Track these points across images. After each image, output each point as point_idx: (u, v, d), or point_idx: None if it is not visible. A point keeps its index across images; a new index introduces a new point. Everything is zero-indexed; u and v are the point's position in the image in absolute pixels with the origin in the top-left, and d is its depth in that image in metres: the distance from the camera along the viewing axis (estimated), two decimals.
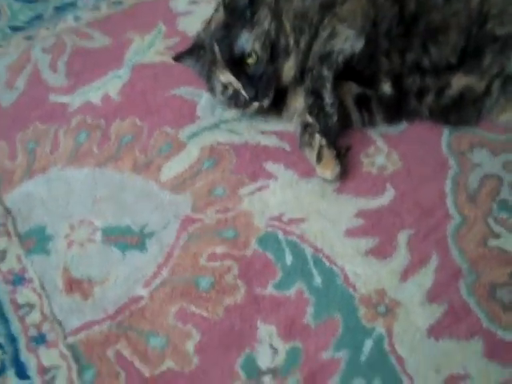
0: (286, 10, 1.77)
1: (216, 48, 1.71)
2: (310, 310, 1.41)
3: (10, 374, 1.36)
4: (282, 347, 1.36)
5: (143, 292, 1.47)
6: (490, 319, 1.35)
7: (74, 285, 1.50)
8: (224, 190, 1.67)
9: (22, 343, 1.41)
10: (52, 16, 2.35)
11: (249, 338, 1.38)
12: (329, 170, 1.63)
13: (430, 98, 1.74)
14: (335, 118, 1.66)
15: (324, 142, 1.65)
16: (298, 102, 1.79)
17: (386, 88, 1.74)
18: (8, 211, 1.68)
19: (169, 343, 1.38)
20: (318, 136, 1.66)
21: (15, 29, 2.32)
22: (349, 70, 1.74)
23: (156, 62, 2.09)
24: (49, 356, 1.39)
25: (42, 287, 1.51)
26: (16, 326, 1.45)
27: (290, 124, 1.81)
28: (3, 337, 1.42)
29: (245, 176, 1.70)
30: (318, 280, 1.46)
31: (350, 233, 1.55)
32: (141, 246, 1.57)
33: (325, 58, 1.69)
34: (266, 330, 1.39)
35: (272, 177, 1.70)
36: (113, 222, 1.63)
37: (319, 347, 1.34)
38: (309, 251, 1.52)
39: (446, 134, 1.75)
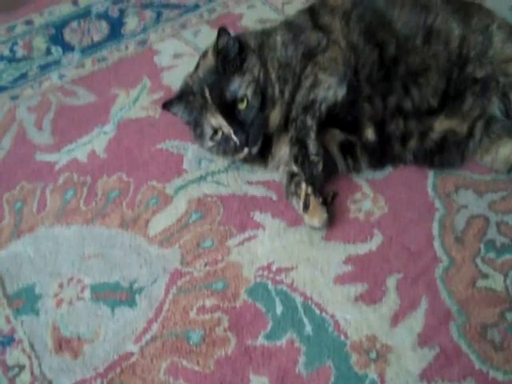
0: (271, 58, 1.79)
1: (207, 92, 1.73)
2: (302, 359, 1.41)
3: None
4: None
5: (134, 348, 1.47)
6: (482, 360, 1.35)
7: (63, 344, 1.50)
8: (212, 242, 1.67)
9: None
10: (37, 75, 2.36)
11: None
12: (316, 217, 1.63)
13: (413, 143, 1.75)
14: (320, 167, 1.66)
15: (310, 190, 1.66)
16: (282, 150, 1.80)
17: (370, 134, 1.75)
18: None
19: None
20: (303, 185, 1.67)
21: (0, 88, 2.33)
22: (332, 118, 1.75)
23: (142, 116, 2.11)
24: None
25: (32, 347, 1.50)
26: None
27: (276, 173, 1.82)
28: None
29: (233, 227, 1.71)
30: (308, 328, 1.46)
31: (340, 279, 1.55)
32: (130, 301, 1.56)
33: (308, 107, 1.71)
34: (259, 382, 1.38)
35: (260, 226, 1.70)
36: (101, 278, 1.62)
37: None
38: (299, 300, 1.51)
39: (431, 176, 1.77)
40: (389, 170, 1.81)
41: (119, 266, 1.64)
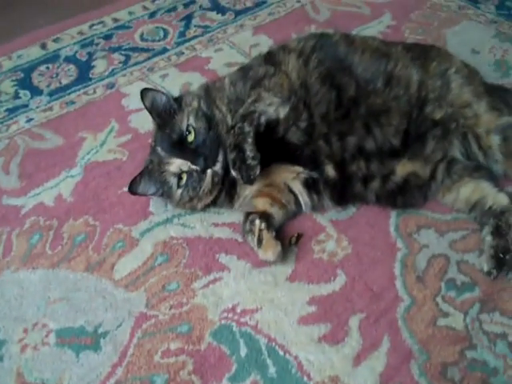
0: (220, 97, 1.85)
1: (158, 149, 1.77)
2: None
3: None
4: None
5: None
6: None
7: None
8: (178, 285, 1.68)
9: None
10: (4, 118, 2.37)
11: None
12: (270, 250, 1.64)
13: (375, 184, 1.79)
14: (257, 171, 1.64)
15: (263, 225, 1.68)
16: (247, 189, 1.82)
17: (330, 171, 1.78)
18: None
19: None
20: (257, 221, 1.70)
21: None
22: (292, 153, 1.78)
23: (109, 159, 2.12)
24: None
25: None
26: None
27: (241, 214, 1.83)
28: None
29: (198, 269, 1.72)
30: (272, 370, 1.47)
31: (303, 320, 1.57)
32: (95, 346, 1.56)
33: (247, 115, 1.71)
34: None
35: (225, 268, 1.72)
36: (66, 323, 1.62)
37: None
38: (263, 341, 1.53)
39: (393, 216, 1.81)
40: (352, 210, 1.84)
41: (84, 310, 1.64)
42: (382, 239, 1.75)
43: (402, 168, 1.78)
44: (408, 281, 1.63)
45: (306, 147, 1.77)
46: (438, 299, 1.57)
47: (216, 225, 1.85)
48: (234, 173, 1.68)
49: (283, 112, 1.75)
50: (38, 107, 2.41)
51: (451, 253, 1.68)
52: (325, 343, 1.51)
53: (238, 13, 2.92)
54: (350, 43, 1.92)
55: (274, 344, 1.52)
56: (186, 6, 3.01)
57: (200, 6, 3.00)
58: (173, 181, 1.80)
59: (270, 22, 2.83)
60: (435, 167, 1.79)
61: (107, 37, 2.81)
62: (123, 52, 2.70)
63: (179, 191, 1.81)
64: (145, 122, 2.22)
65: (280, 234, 1.78)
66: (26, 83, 2.55)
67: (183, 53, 2.66)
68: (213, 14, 2.93)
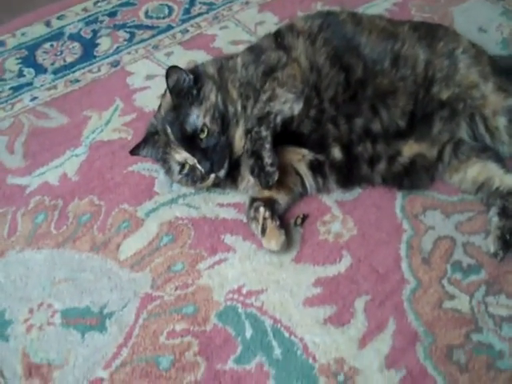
0: (232, 79, 1.82)
1: (168, 130, 1.75)
2: (271, 383, 1.41)
3: None
4: None
5: (103, 374, 1.47)
6: (447, 382, 1.37)
7: (33, 370, 1.49)
8: (183, 266, 1.68)
9: None
10: (8, 96, 2.36)
11: None
12: (273, 240, 1.64)
13: (381, 166, 1.78)
14: (276, 177, 1.65)
15: (268, 214, 1.68)
16: None
17: (337, 153, 1.77)
18: None
19: None
20: (261, 209, 1.70)
21: None
22: (299, 136, 1.77)
23: (114, 139, 2.11)
24: None
25: (1, 374, 1.49)
26: None
27: (246, 195, 1.83)
28: None
29: (203, 250, 1.72)
30: (277, 352, 1.47)
31: (309, 302, 1.56)
32: (100, 326, 1.56)
33: (263, 118, 1.71)
34: None
35: (230, 249, 1.71)
36: (72, 303, 1.62)
37: None
38: (268, 323, 1.53)
39: (399, 197, 1.80)
40: (358, 191, 1.83)
41: (89, 291, 1.64)
42: (388, 220, 1.74)
43: (409, 149, 1.77)
44: (414, 263, 1.62)
45: (314, 133, 1.76)
46: (444, 281, 1.57)
47: (221, 205, 1.84)
48: (252, 178, 1.70)
49: (298, 108, 1.74)
50: (42, 85, 2.40)
51: (457, 234, 1.68)
52: (330, 325, 1.51)
53: None
54: (357, 23, 1.90)
55: (279, 325, 1.52)
56: None
57: None
58: (175, 166, 1.80)
59: None
60: (442, 148, 1.78)
61: (112, 14, 2.79)
62: (128, 29, 2.67)
63: (179, 177, 1.82)
64: (149, 101, 2.21)
65: (285, 214, 1.79)
66: (30, 61, 2.54)
67: (188, 30, 2.63)
68: None
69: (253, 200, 1.78)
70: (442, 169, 1.79)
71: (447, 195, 1.78)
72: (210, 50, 2.47)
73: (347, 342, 1.47)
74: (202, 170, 1.74)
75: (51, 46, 2.61)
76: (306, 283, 1.61)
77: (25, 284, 1.67)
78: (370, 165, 1.78)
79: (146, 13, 2.77)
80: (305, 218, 1.77)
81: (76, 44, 2.61)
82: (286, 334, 1.50)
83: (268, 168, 1.65)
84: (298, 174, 1.81)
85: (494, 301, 1.52)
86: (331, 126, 1.76)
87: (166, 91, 1.80)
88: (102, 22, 2.74)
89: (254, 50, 1.91)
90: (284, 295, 1.58)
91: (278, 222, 1.68)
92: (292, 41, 1.86)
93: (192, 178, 1.79)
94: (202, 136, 1.73)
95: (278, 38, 1.90)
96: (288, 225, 1.76)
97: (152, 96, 2.23)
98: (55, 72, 2.47)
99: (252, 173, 1.68)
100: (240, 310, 1.56)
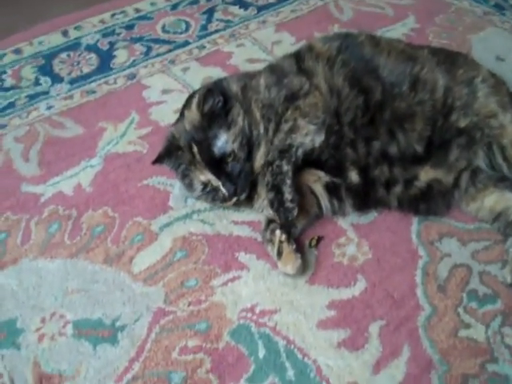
0: (255, 99, 1.82)
1: (195, 150, 1.74)
2: None
3: None
4: None
5: None
6: None
7: (44, 380, 1.47)
8: (196, 282, 1.67)
9: None
10: (25, 104, 2.36)
11: None
12: (289, 264, 1.64)
13: (398, 189, 1.77)
14: (295, 213, 1.65)
15: (284, 237, 1.67)
16: None
17: (354, 177, 1.77)
18: None
19: None
20: (278, 232, 1.69)
21: None
22: (316, 161, 1.77)
23: (129, 151, 2.11)
24: None
25: (12, 383, 1.47)
26: None
27: (261, 214, 1.83)
28: None
29: (217, 267, 1.71)
30: (290, 373, 1.46)
31: (323, 324, 1.55)
32: (112, 339, 1.55)
33: (284, 151, 1.71)
34: None
35: (244, 267, 1.71)
36: (84, 314, 1.61)
37: None
38: (281, 344, 1.51)
39: (415, 223, 1.80)
40: (373, 214, 1.83)
41: (102, 303, 1.63)
42: (404, 246, 1.73)
43: (425, 174, 1.77)
44: (429, 289, 1.61)
45: (332, 158, 1.76)
46: (460, 310, 1.56)
47: (236, 223, 1.84)
48: (271, 212, 1.69)
49: (319, 140, 1.74)
50: (58, 95, 2.41)
51: (473, 263, 1.67)
52: (344, 349, 1.50)
53: (260, 8, 2.92)
54: (376, 44, 1.90)
55: (292, 347, 1.51)
56: None
57: (222, 0, 2.99)
58: (197, 185, 1.80)
59: (292, 20, 2.82)
60: (459, 175, 1.78)
61: (129, 27, 2.81)
62: (144, 43, 2.69)
63: (199, 194, 1.82)
64: (166, 116, 2.22)
65: (301, 235, 1.78)
66: (46, 70, 2.55)
67: (205, 46, 2.65)
68: (235, 9, 2.93)
69: (269, 221, 1.77)
70: (458, 196, 1.79)
71: (464, 223, 1.78)
72: (226, 67, 2.48)
73: (361, 367, 1.46)
74: (226, 194, 1.74)
75: (68, 55, 2.63)
76: (320, 305, 1.60)
77: (37, 293, 1.66)
78: (387, 188, 1.78)
79: (163, 27, 2.80)
80: (320, 239, 1.77)
81: (93, 55, 2.63)
82: (300, 356, 1.49)
83: (288, 204, 1.65)
84: (313, 194, 1.81)
85: (511, 331, 1.51)
86: (350, 150, 1.76)
87: (190, 103, 1.80)
88: (118, 34, 2.76)
89: (276, 72, 1.89)
90: (297, 316, 1.57)
91: (294, 246, 1.67)
92: (313, 65, 1.86)
93: (213, 197, 1.80)
94: (229, 159, 1.73)
95: (300, 62, 1.90)
96: (302, 246, 1.75)
97: (168, 110, 2.24)
98: (71, 82, 2.48)
99: (272, 207, 1.68)
100: (253, 329, 1.55)
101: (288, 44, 2.59)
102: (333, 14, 2.84)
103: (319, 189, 1.80)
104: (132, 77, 2.48)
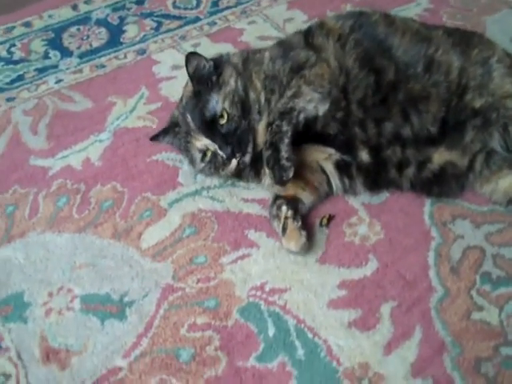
0: (256, 70, 1.80)
1: (189, 117, 1.74)
2: (293, 383, 1.38)
3: None
4: None
5: (122, 363, 1.44)
6: None
7: (51, 354, 1.46)
8: (205, 259, 1.65)
9: None
10: (34, 77, 2.34)
11: None
12: (293, 241, 1.62)
13: (410, 171, 1.74)
14: (291, 173, 1.62)
15: (290, 213, 1.66)
16: None
17: (364, 156, 1.74)
18: None
19: None
20: (284, 208, 1.68)
21: None
22: (325, 136, 1.74)
23: (138, 126, 2.09)
24: None
25: (19, 356, 1.46)
26: None
27: (271, 192, 1.80)
28: None
29: (226, 244, 1.69)
30: (300, 352, 1.44)
31: (333, 304, 1.53)
32: (120, 314, 1.53)
33: (285, 113, 1.68)
34: None
35: (254, 245, 1.69)
36: (92, 289, 1.59)
37: None
38: (291, 322, 1.50)
39: (428, 204, 1.76)
40: (385, 195, 1.80)
41: (110, 278, 1.62)
42: (416, 227, 1.70)
43: (439, 156, 1.73)
44: (442, 271, 1.59)
45: (341, 134, 1.73)
46: (473, 292, 1.54)
47: (246, 200, 1.82)
48: (267, 171, 1.66)
49: (323, 109, 1.71)
50: (67, 68, 2.39)
51: (487, 245, 1.64)
52: (355, 329, 1.48)
53: None
54: (390, 24, 1.86)
55: (302, 326, 1.49)
56: None
57: None
58: (197, 155, 1.79)
59: None
60: (473, 157, 1.74)
61: (139, 2, 2.78)
62: (155, 18, 2.66)
63: (202, 165, 1.80)
64: (175, 91, 2.17)
65: (311, 213, 1.76)
66: (56, 43, 2.53)
67: (216, 23, 2.61)
68: None
69: (276, 197, 1.75)
70: (472, 178, 1.76)
71: (477, 205, 1.75)
72: (237, 44, 2.45)
73: (372, 348, 1.43)
74: (224, 156, 1.72)
75: (78, 29, 2.61)
76: (331, 285, 1.58)
77: (45, 266, 1.65)
78: (399, 169, 1.75)
79: (174, 3, 2.76)
80: (331, 218, 1.74)
81: (103, 29, 2.60)
82: (310, 335, 1.47)
83: (283, 161, 1.62)
84: (324, 172, 1.79)
85: None
86: (358, 130, 1.72)
87: (187, 81, 1.80)
88: (129, 9, 2.73)
89: (283, 45, 1.88)
90: (308, 295, 1.55)
91: (299, 223, 1.65)
92: (322, 41, 1.83)
93: (215, 164, 1.77)
94: (222, 121, 1.71)
95: (309, 37, 1.87)
96: (313, 224, 1.73)
97: (178, 86, 2.18)
98: (81, 56, 2.45)
99: (267, 164, 1.65)
100: (263, 308, 1.53)
101: (300, 22, 2.55)
102: None
103: (330, 167, 1.78)
104: (142, 52, 2.45)
